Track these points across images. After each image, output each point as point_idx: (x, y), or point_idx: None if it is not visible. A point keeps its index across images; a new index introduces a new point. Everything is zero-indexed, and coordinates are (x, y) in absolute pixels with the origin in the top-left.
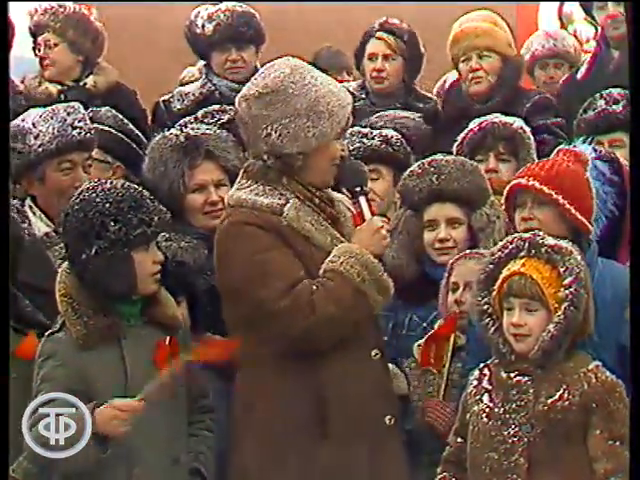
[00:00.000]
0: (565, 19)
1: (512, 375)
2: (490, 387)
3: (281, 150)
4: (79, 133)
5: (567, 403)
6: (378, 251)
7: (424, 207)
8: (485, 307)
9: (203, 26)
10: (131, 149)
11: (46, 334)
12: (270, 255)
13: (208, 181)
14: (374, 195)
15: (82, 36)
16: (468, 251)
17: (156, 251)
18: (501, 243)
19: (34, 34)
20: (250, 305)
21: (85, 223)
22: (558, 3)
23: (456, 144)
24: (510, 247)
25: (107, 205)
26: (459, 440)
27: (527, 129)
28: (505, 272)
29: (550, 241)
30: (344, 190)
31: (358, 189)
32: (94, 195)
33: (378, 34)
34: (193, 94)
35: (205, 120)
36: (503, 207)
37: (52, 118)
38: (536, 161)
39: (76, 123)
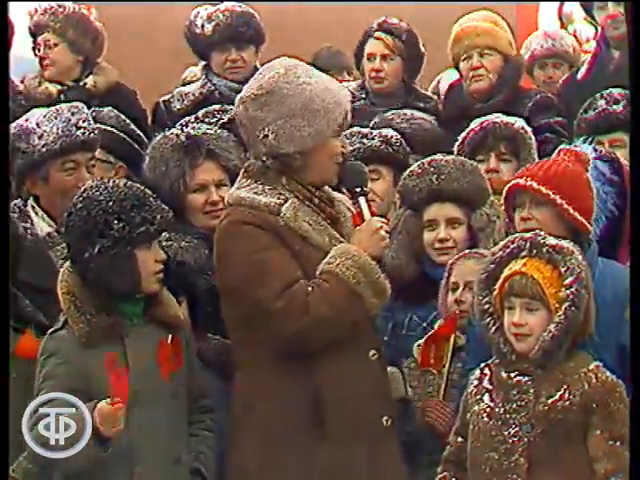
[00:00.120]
0: (565, 19)
1: (512, 375)
2: (491, 387)
3: (278, 150)
4: (83, 133)
5: (567, 403)
6: (376, 252)
7: (424, 207)
8: (486, 306)
9: (203, 26)
10: (133, 149)
11: (49, 332)
12: (267, 255)
13: (209, 181)
14: (374, 195)
15: (82, 36)
16: (467, 251)
17: (158, 250)
18: (502, 243)
19: (34, 34)
20: (248, 304)
21: (88, 221)
22: (558, 3)
23: (457, 144)
24: (511, 247)
25: (110, 203)
26: (460, 440)
27: (528, 129)
28: (506, 272)
29: (551, 241)
30: (344, 190)
31: (358, 189)
32: (97, 194)
33: (376, 34)
34: (193, 94)
35: (206, 120)
36: (503, 207)
37: (56, 118)
38: (537, 161)
39: (80, 123)
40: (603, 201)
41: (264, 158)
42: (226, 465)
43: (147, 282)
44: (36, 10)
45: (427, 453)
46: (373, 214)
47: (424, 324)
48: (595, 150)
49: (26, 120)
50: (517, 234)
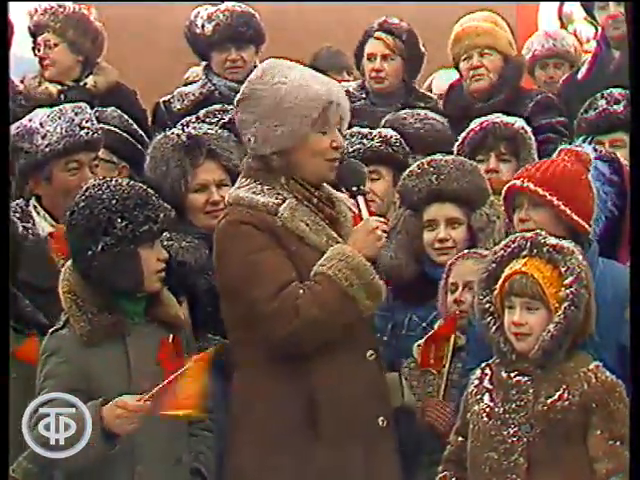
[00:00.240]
0: (565, 19)
1: (512, 375)
2: (491, 387)
3: (258, 152)
4: (87, 133)
5: (567, 403)
6: (372, 252)
7: (423, 207)
8: (487, 306)
9: (203, 26)
10: (136, 149)
11: (50, 331)
12: (263, 255)
13: (210, 181)
14: (374, 195)
15: (82, 36)
16: (466, 251)
17: (161, 249)
18: (503, 242)
19: (34, 34)
20: (243, 305)
21: (91, 220)
22: (558, 3)
23: (457, 144)
24: (512, 246)
25: (114, 202)
26: (460, 439)
27: (528, 129)
28: (507, 271)
29: (552, 241)
30: (343, 190)
31: (355, 189)
32: (100, 192)
33: (377, 34)
34: (193, 94)
35: (207, 120)
36: (503, 207)
37: (60, 118)
38: (537, 161)
39: (84, 123)
40: (603, 201)
41: (250, 160)
42: (225, 465)
43: (149, 281)
44: (36, 10)
45: (427, 453)
46: (372, 214)
47: (424, 324)
48: (595, 150)
49: (29, 120)
50: (518, 233)
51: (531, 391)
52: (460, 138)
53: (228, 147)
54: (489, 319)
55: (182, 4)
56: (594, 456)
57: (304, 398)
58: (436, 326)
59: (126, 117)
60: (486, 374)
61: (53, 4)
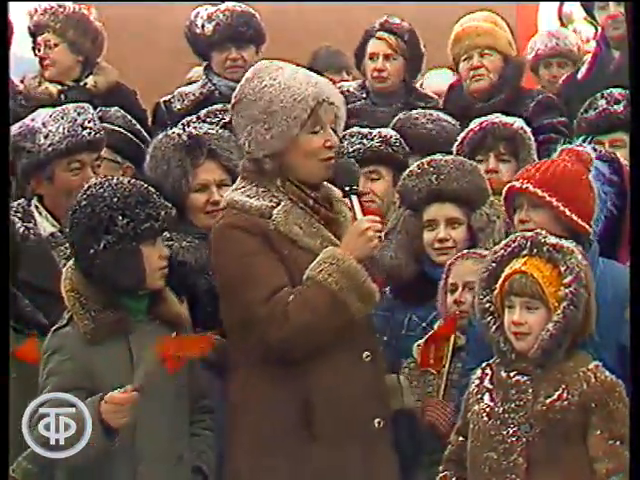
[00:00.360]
0: (565, 19)
1: (512, 374)
2: (491, 386)
3: (252, 156)
4: (89, 133)
5: (566, 403)
6: (364, 254)
7: (423, 207)
8: (487, 305)
9: (203, 26)
10: (140, 149)
11: (52, 329)
12: (254, 260)
13: (210, 181)
14: (374, 196)
15: (82, 36)
16: (465, 251)
17: (162, 246)
18: (504, 241)
19: (33, 34)
20: (237, 308)
21: (93, 218)
22: (558, 3)
23: (456, 144)
24: (512, 246)
25: (115, 200)
26: (461, 439)
27: (527, 129)
28: (507, 270)
29: (552, 240)
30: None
31: (347, 189)
32: (102, 190)
33: (379, 34)
34: (193, 94)
35: (208, 120)
36: (503, 208)
37: (62, 118)
38: (537, 161)
39: (86, 123)
40: (602, 201)
41: (246, 162)
42: (223, 466)
43: (152, 278)
44: (36, 10)
45: (427, 453)
46: (369, 212)
47: (423, 324)
48: (595, 150)
49: (32, 120)
50: (518, 233)
51: (530, 391)
52: (459, 138)
53: (229, 147)
54: (489, 319)
55: (182, 4)
56: (594, 456)
57: (299, 399)
58: (436, 326)
59: (130, 117)
60: (486, 374)
61: (53, 4)
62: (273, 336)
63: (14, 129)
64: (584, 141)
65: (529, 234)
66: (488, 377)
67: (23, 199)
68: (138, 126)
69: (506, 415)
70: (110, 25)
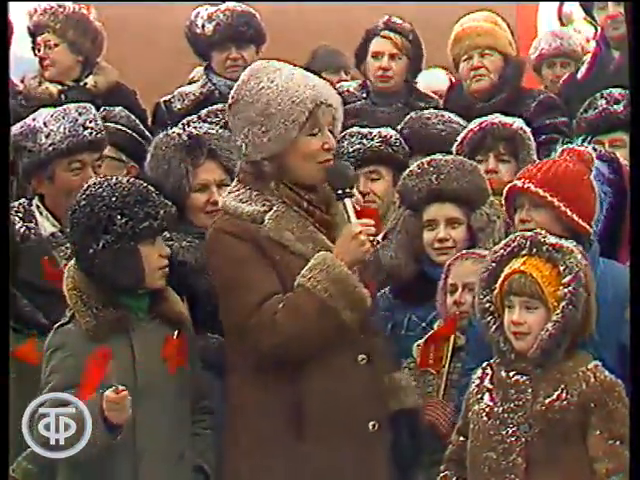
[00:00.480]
0: (565, 19)
1: (511, 374)
2: (491, 386)
3: (250, 158)
4: (90, 133)
5: (565, 403)
6: (356, 258)
7: (423, 207)
8: (487, 305)
9: (203, 26)
10: (144, 149)
11: (55, 326)
12: (245, 267)
13: (210, 181)
14: (374, 196)
15: (82, 36)
16: (464, 251)
17: (162, 245)
18: (504, 241)
19: (33, 34)
20: (230, 313)
21: (92, 218)
22: (558, 3)
23: (456, 144)
24: (512, 245)
25: (113, 199)
26: (461, 439)
27: (527, 129)
28: (506, 270)
29: (552, 240)
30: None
31: (340, 192)
32: (100, 190)
33: (384, 32)
34: (193, 94)
35: (208, 119)
36: (504, 208)
37: (64, 118)
38: (536, 162)
39: (87, 123)
40: (602, 201)
41: (243, 164)
42: (223, 466)
43: (152, 277)
44: (36, 10)
45: (428, 453)
46: (367, 212)
47: (423, 324)
48: (594, 150)
49: (33, 119)
50: (518, 233)
51: (530, 391)
52: (459, 138)
53: (229, 147)
54: (489, 318)
55: (182, 4)
56: (594, 456)
57: (291, 402)
58: (435, 326)
59: (133, 117)
60: (487, 374)
61: (53, 4)
62: (264, 343)
63: (15, 128)
64: (584, 141)
65: (529, 234)
66: (488, 377)
67: (24, 199)
68: (141, 126)
69: (505, 415)
70: (110, 25)
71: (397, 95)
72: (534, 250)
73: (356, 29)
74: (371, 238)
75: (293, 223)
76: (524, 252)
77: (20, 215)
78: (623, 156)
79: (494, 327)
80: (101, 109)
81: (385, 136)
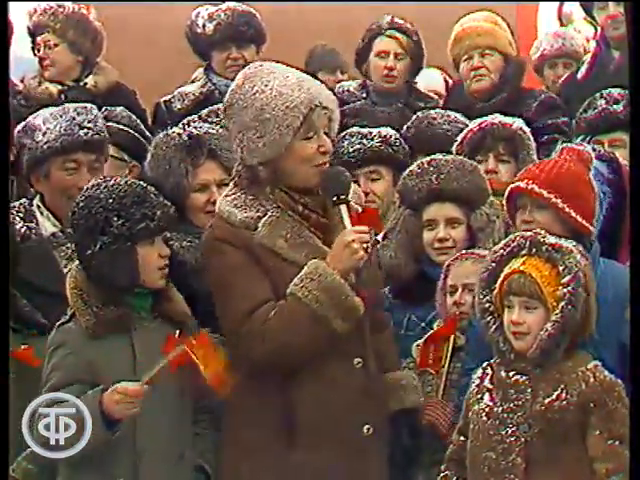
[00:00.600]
0: (565, 19)
1: (511, 374)
2: (491, 386)
3: (245, 163)
4: (86, 133)
5: (565, 403)
6: (349, 266)
7: (423, 207)
8: (487, 305)
9: (204, 26)
10: (146, 149)
11: (56, 325)
12: (237, 274)
13: (210, 181)
14: (374, 196)
15: (82, 36)
16: (464, 251)
17: (162, 245)
18: (503, 241)
19: (33, 34)
20: (224, 319)
21: (89, 219)
22: (558, 3)
23: (456, 144)
24: (512, 245)
25: (110, 201)
26: (462, 439)
27: (527, 129)
28: (506, 270)
29: (551, 240)
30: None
31: (335, 198)
32: (98, 192)
33: (389, 32)
34: (193, 94)
35: (209, 119)
36: (505, 209)
37: (61, 116)
38: (536, 162)
39: (85, 123)
40: (601, 201)
41: (239, 168)
42: (223, 465)
43: (151, 277)
44: (35, 10)
45: (428, 453)
46: (367, 213)
47: (423, 324)
48: (594, 150)
49: (34, 117)
50: (518, 232)
51: (529, 391)
52: (459, 138)
53: (229, 147)
54: (489, 318)
55: (182, 4)
56: (594, 456)
57: (284, 406)
58: (435, 326)
59: (135, 117)
60: (487, 374)
61: (52, 4)
62: (254, 351)
63: (19, 126)
64: (583, 141)
65: (528, 234)
66: (488, 377)
67: (25, 199)
68: (142, 126)
69: (505, 415)
70: (110, 25)
71: (397, 95)
72: (533, 250)
73: (356, 29)
74: (365, 246)
75: (287, 229)
76: (524, 252)
77: (21, 215)
78: (623, 156)
79: (494, 327)
80: (102, 109)
81: (385, 136)
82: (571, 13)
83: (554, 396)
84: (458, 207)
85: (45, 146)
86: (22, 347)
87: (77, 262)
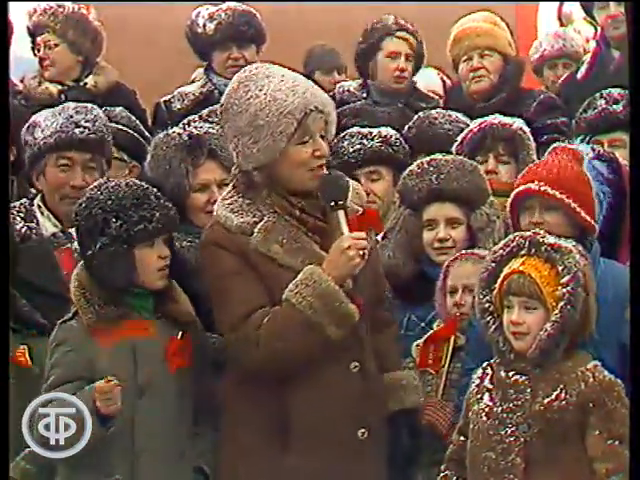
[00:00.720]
0: (565, 19)
1: (510, 374)
2: (491, 386)
3: (241, 167)
4: (82, 132)
5: (564, 403)
6: (344, 273)
7: (423, 207)
8: (486, 305)
9: (204, 25)
10: (145, 149)
11: (59, 322)
12: (233, 279)
13: (211, 180)
14: (374, 196)
15: (82, 36)
16: (464, 251)
17: (162, 247)
18: (503, 241)
19: (33, 34)
20: (218, 324)
21: (90, 220)
22: (557, 3)
23: (456, 144)
24: (511, 245)
25: (109, 202)
26: (462, 438)
27: (527, 130)
28: (505, 270)
29: (550, 240)
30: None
31: (333, 204)
32: (99, 193)
33: (399, 33)
34: (193, 94)
35: (209, 119)
36: (507, 210)
37: (60, 114)
38: (537, 162)
39: (82, 122)
40: (601, 201)
41: (236, 171)
42: (222, 466)
43: (150, 278)
44: (35, 10)
45: (427, 453)
46: (369, 213)
47: (422, 324)
48: (593, 150)
49: (38, 115)
50: (517, 232)
51: (529, 391)
52: (459, 139)
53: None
54: (489, 318)
55: (182, 4)
56: (593, 456)
57: (280, 409)
58: (435, 326)
59: (134, 117)
60: (487, 374)
61: (52, 4)
62: (248, 357)
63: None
64: (582, 141)
65: (527, 234)
66: (488, 377)
67: (25, 199)
68: (141, 127)
69: (504, 415)
70: (110, 25)
71: (398, 95)
72: (533, 250)
73: (356, 29)
74: (361, 252)
75: (284, 234)
76: (523, 252)
77: (22, 215)
78: (622, 156)
79: (493, 327)
80: (102, 109)
81: (385, 136)
82: (571, 13)
83: (553, 396)
84: (458, 207)
85: (42, 142)
86: (17, 352)
87: (82, 261)
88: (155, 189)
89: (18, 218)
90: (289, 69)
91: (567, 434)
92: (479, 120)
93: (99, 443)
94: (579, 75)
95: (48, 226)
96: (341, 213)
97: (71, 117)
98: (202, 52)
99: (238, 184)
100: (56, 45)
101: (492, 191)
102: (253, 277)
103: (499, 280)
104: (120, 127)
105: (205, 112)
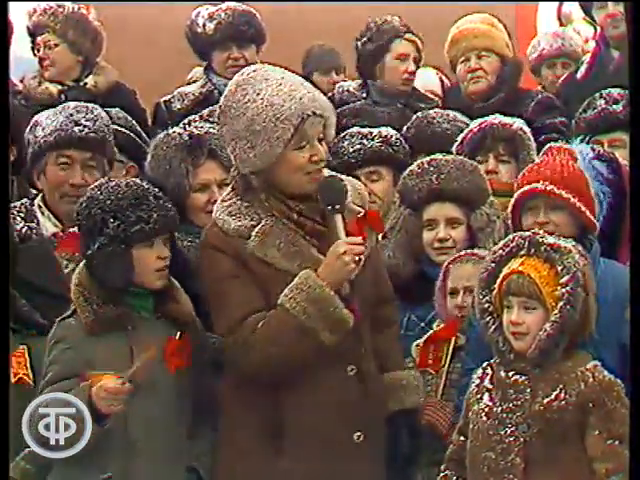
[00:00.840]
0: (564, 19)
1: (510, 374)
2: (491, 386)
3: (239, 170)
4: (81, 131)
5: (563, 403)
6: (340, 278)
7: (423, 207)
8: (486, 305)
9: (204, 25)
10: (142, 150)
11: (58, 319)
12: (229, 283)
13: (211, 180)
14: (374, 196)
15: (82, 36)
16: (463, 252)
17: (162, 247)
18: (502, 241)
19: (33, 34)
20: (215, 327)
21: (89, 219)
22: (557, 3)
23: (456, 144)
24: (511, 245)
25: (108, 202)
26: (462, 439)
27: (527, 130)
28: (505, 270)
29: (550, 240)
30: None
31: (330, 208)
32: (98, 193)
33: (408, 35)
34: (193, 94)
35: (210, 119)
36: (509, 210)
37: (60, 113)
38: (537, 161)
39: (82, 121)
40: (601, 201)
41: (234, 174)
42: (219, 466)
43: (149, 278)
44: (35, 10)
45: (427, 453)
46: (371, 214)
47: (422, 324)
48: (593, 150)
49: (40, 115)
50: (517, 233)
51: (528, 391)
52: (459, 139)
53: None
54: (488, 318)
55: (182, 4)
56: (593, 456)
57: (275, 412)
58: (435, 326)
59: (131, 118)
60: (487, 374)
61: (52, 4)
62: (242, 361)
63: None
64: (582, 141)
65: (527, 234)
66: (488, 377)
67: (26, 199)
68: (138, 127)
69: (504, 415)
70: (110, 25)
71: (399, 95)
72: (532, 250)
73: (356, 29)
74: (357, 258)
75: (281, 238)
76: (522, 252)
77: (22, 215)
78: (622, 156)
79: (493, 327)
80: None
81: (385, 136)
82: (570, 13)
83: (553, 396)
84: (458, 207)
85: (42, 140)
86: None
87: (84, 260)
88: (156, 189)
89: (18, 218)
90: (288, 70)
91: (567, 434)
92: (479, 120)
93: (94, 440)
94: (579, 75)
95: (48, 226)
96: (338, 217)
97: (71, 116)
98: (202, 52)
99: (237, 186)
100: (56, 45)
101: (492, 191)
102: (250, 280)
103: (498, 280)
104: (117, 127)
105: (205, 112)
